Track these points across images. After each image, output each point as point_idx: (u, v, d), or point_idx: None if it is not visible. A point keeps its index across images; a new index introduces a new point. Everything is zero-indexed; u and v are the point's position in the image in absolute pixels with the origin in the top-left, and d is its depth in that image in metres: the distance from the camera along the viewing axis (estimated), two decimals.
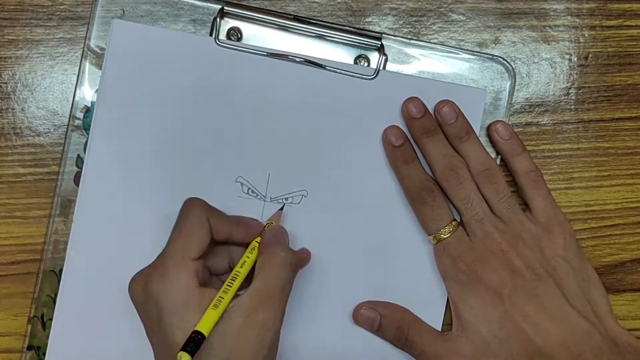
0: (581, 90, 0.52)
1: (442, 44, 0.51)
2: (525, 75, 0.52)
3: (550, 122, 0.52)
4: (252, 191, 0.49)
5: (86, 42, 0.49)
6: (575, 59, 0.52)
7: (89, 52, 0.49)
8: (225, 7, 0.49)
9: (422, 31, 0.51)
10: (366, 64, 0.50)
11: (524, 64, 0.52)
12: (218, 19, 0.49)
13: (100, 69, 0.49)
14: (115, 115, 0.48)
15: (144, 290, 0.41)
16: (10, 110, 0.50)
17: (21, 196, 0.50)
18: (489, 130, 0.50)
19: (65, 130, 0.49)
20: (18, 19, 0.50)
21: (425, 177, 0.48)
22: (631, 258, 0.52)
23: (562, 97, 0.52)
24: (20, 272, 0.50)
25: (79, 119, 0.49)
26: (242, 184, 0.49)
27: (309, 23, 0.49)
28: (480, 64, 0.51)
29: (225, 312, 0.41)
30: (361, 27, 0.50)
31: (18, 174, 0.50)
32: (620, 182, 0.52)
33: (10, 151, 0.50)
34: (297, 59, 0.49)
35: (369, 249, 0.50)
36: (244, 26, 0.49)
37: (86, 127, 0.49)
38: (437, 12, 0.51)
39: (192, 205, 0.44)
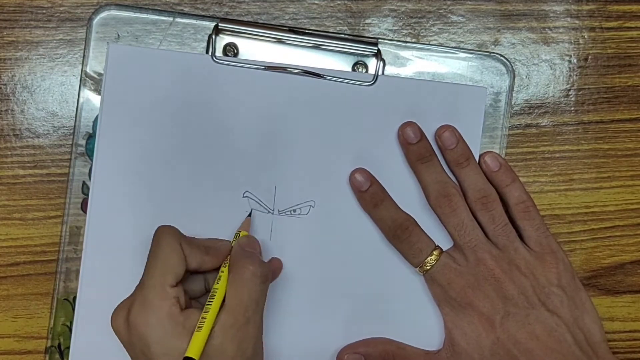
0: (581, 92, 0.52)
1: (439, 44, 0.51)
2: (524, 77, 0.52)
3: (550, 123, 0.52)
4: (260, 205, 0.49)
5: (83, 69, 0.49)
6: (575, 60, 0.52)
7: (87, 79, 0.49)
8: (219, 24, 0.49)
9: (422, 33, 0.51)
10: (364, 71, 0.50)
11: (523, 66, 0.52)
12: (213, 36, 0.49)
13: (99, 94, 0.49)
14: (118, 140, 0.48)
15: (126, 322, 0.41)
16: (9, 111, 0.50)
17: (20, 198, 0.50)
18: (479, 162, 0.50)
19: (69, 157, 0.49)
20: (17, 20, 0.50)
21: (396, 215, 0.48)
22: (631, 260, 0.52)
23: (562, 99, 0.52)
24: (19, 273, 0.50)
25: (81, 146, 0.49)
26: (249, 198, 0.49)
27: (304, 34, 0.49)
28: (478, 62, 0.51)
29: (218, 326, 0.41)
30: (357, 33, 0.50)
31: (17, 176, 0.50)
32: (620, 184, 0.52)
33: (9, 153, 0.50)
34: (295, 71, 0.49)
35: (378, 259, 0.50)
36: (239, 41, 0.49)
37: (89, 154, 0.49)
38: (436, 13, 0.51)
39: (164, 233, 0.43)
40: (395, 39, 0.51)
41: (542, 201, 0.51)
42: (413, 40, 0.51)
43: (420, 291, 0.50)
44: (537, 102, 0.52)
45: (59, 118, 0.50)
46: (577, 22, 0.52)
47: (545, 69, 0.52)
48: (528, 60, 0.52)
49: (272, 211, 0.49)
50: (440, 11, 0.51)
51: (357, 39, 0.50)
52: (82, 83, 0.49)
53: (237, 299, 0.42)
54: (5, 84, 0.50)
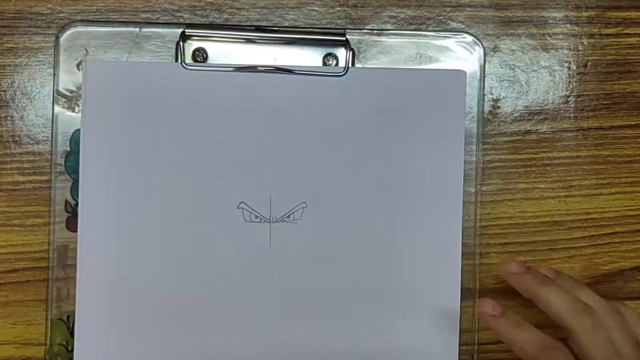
0: (580, 98, 0.52)
1: (403, 30, 0.50)
2: (524, 83, 0.52)
3: (550, 130, 0.52)
4: (256, 216, 0.49)
5: (55, 88, 0.49)
6: (574, 67, 0.52)
7: (59, 97, 0.49)
8: (186, 30, 0.49)
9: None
10: (335, 62, 0.50)
11: (523, 72, 0.52)
12: (181, 43, 0.49)
13: (72, 111, 0.49)
14: (102, 156, 0.48)
15: None
16: (9, 118, 0.50)
17: (20, 204, 0.50)
18: (502, 271, 0.48)
19: (49, 178, 0.49)
20: (17, 26, 0.50)
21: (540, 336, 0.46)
22: (630, 266, 0.52)
23: (561, 105, 0.52)
24: (19, 280, 0.50)
25: (60, 164, 0.49)
26: (243, 209, 0.49)
27: (271, 31, 0.49)
28: (449, 42, 0.50)
29: None
30: (324, 26, 0.50)
31: (17, 182, 0.50)
32: (619, 190, 0.52)
33: (9, 159, 0.50)
34: (265, 69, 0.49)
35: (374, 254, 0.49)
36: (208, 45, 0.49)
37: (69, 172, 0.49)
38: (436, 20, 0.51)
39: None
40: (363, 28, 0.50)
41: (542, 208, 0.51)
42: (378, 29, 0.51)
43: (426, 277, 0.49)
44: (537, 108, 0.52)
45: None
46: (576, 28, 0.52)
47: (544, 76, 0.52)
48: (527, 66, 0.52)
49: (268, 220, 0.49)
50: (440, 18, 0.51)
51: (324, 31, 0.50)
52: (54, 102, 0.49)
53: None
54: (4, 91, 0.50)
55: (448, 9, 0.51)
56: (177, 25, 0.49)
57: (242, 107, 0.49)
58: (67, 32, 0.49)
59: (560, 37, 0.52)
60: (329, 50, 0.50)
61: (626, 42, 0.52)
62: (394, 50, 0.50)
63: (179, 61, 0.49)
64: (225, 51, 0.49)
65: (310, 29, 0.50)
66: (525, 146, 0.52)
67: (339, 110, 0.49)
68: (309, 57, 0.50)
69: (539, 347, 0.45)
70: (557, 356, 0.45)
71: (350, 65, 0.49)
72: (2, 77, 0.50)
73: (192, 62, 0.49)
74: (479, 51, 0.50)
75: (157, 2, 0.50)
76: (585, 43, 0.52)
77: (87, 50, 0.49)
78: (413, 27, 0.51)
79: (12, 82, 0.50)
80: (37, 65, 0.50)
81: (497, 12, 0.51)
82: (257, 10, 0.50)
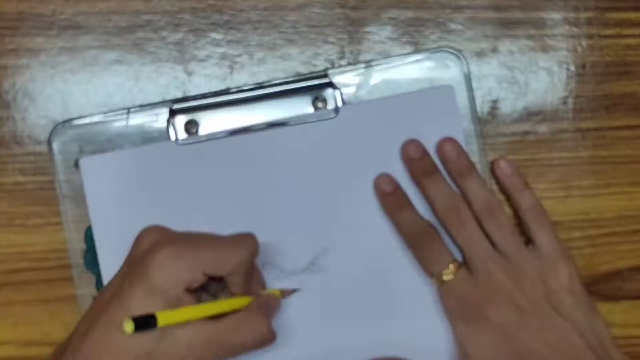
0: (579, 99, 0.52)
1: (386, 56, 0.51)
2: (523, 84, 0.52)
3: (548, 130, 0.52)
4: (282, 270, 0.49)
5: (59, 191, 0.49)
6: (573, 68, 0.52)
7: (65, 200, 0.49)
8: (173, 106, 0.49)
9: (421, 41, 0.51)
10: (324, 103, 0.49)
11: (522, 73, 0.52)
12: (171, 119, 0.49)
13: (83, 208, 0.49)
14: (118, 247, 0.46)
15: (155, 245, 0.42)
16: (10, 119, 0.50)
17: (21, 204, 0.50)
18: (491, 167, 0.50)
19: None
20: (18, 28, 0.50)
21: (421, 220, 0.49)
22: (629, 266, 0.52)
23: (560, 106, 0.52)
24: (20, 280, 0.50)
25: (80, 264, 0.49)
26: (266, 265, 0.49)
27: (254, 89, 0.49)
28: (432, 62, 0.50)
29: (197, 323, 0.41)
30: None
31: (18, 183, 0.50)
32: (618, 191, 0.52)
33: (10, 159, 0.50)
34: (259, 127, 0.49)
35: (380, 293, 0.49)
36: (198, 116, 0.49)
37: (90, 268, 0.49)
38: (435, 21, 0.51)
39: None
40: (342, 65, 0.50)
41: None
42: (356, 61, 0.51)
43: (427, 316, 0.49)
44: (536, 109, 0.52)
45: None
46: (575, 29, 0.52)
47: (543, 77, 0.52)
48: (526, 67, 0.52)
49: (281, 272, 0.49)
50: (439, 19, 0.51)
51: (307, 76, 0.50)
52: (62, 203, 0.49)
53: (227, 335, 0.42)
54: (6, 92, 0.50)
55: (447, 11, 0.51)
56: (164, 103, 0.49)
57: (243, 169, 0.49)
58: (58, 139, 0.49)
59: (558, 38, 0.52)
60: (316, 93, 0.49)
61: (624, 43, 0.52)
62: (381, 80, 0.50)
63: (173, 139, 0.49)
64: (216, 117, 0.49)
65: (292, 78, 0.50)
66: (524, 147, 0.52)
67: (339, 149, 0.49)
68: (299, 104, 0.49)
69: (414, 231, 0.48)
70: (428, 242, 0.48)
71: (340, 104, 0.49)
72: (3, 78, 0.50)
73: (185, 135, 0.49)
74: (460, 63, 0.50)
75: (159, 3, 0.50)
76: (583, 44, 0.52)
77: (81, 148, 0.49)
78: (412, 29, 0.51)
79: (13, 83, 0.50)
80: (39, 66, 0.50)
81: (496, 13, 0.51)
82: (258, 12, 0.50)
